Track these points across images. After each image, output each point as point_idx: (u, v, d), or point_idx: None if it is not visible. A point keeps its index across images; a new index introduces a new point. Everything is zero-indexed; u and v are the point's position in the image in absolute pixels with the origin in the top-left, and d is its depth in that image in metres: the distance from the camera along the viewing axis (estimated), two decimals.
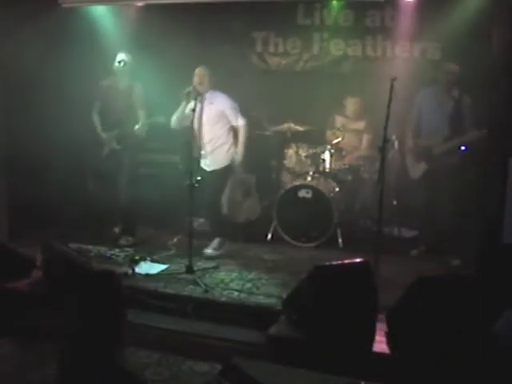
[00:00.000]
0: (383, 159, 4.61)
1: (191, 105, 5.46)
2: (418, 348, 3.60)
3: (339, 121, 6.62)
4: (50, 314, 3.99)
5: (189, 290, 4.89)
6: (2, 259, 4.87)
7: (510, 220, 4.45)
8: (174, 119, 5.67)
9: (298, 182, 6.29)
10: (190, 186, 5.22)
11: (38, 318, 4.31)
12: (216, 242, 5.79)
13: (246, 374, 2.77)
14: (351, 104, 6.52)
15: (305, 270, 4.31)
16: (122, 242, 6.05)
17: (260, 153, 6.62)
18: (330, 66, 7.00)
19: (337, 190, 6.35)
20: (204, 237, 6.13)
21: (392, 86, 4.52)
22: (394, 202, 6.29)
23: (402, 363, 3.65)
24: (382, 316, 3.92)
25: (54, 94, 6.16)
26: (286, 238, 6.16)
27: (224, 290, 4.91)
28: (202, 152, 5.69)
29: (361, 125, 6.57)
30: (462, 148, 5.50)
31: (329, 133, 6.64)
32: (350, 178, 6.53)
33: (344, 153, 6.42)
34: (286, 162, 6.51)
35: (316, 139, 6.58)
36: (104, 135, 6.09)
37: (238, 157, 5.72)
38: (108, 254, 5.64)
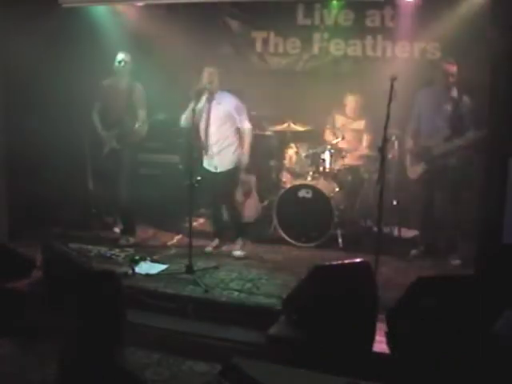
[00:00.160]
0: (383, 159, 4.61)
1: (201, 104, 5.48)
2: (417, 348, 3.59)
3: (339, 120, 6.62)
4: (50, 314, 4.00)
5: (189, 290, 4.89)
6: (2, 259, 4.87)
7: (510, 220, 4.45)
8: (183, 118, 5.63)
9: (297, 182, 6.30)
10: (190, 185, 5.23)
11: (38, 318, 4.31)
12: (240, 242, 5.83)
13: (246, 374, 2.78)
14: (351, 101, 6.51)
15: (305, 270, 4.32)
16: (122, 241, 6.05)
17: (260, 153, 6.61)
18: (330, 66, 7.00)
19: (337, 190, 6.36)
20: (204, 237, 6.15)
21: (392, 86, 4.52)
22: (394, 202, 6.28)
23: (401, 363, 3.65)
24: (382, 316, 3.92)
25: (54, 94, 6.16)
26: (286, 238, 6.16)
27: (224, 290, 4.91)
28: (209, 153, 5.68)
29: (361, 124, 6.57)
30: None
31: (329, 133, 6.64)
32: (349, 178, 6.53)
33: (344, 153, 6.42)
34: (286, 162, 6.52)
35: (316, 139, 6.59)
36: (104, 134, 6.10)
37: (245, 159, 5.74)
38: (108, 254, 5.64)
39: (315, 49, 7.05)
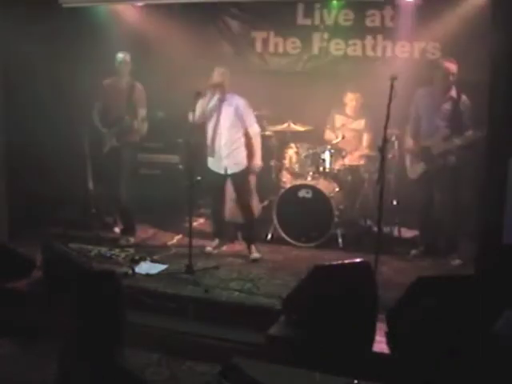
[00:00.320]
0: (383, 159, 4.61)
1: (211, 103, 5.49)
2: (417, 348, 3.60)
3: (339, 120, 6.62)
4: (50, 314, 4.00)
5: (189, 290, 4.89)
6: (2, 259, 4.87)
7: (510, 220, 4.44)
8: (191, 114, 5.60)
9: (297, 182, 6.29)
10: (190, 186, 5.22)
11: (38, 318, 4.31)
12: (254, 245, 5.81)
13: (246, 374, 2.78)
14: (351, 100, 6.50)
15: (305, 270, 4.32)
16: (122, 242, 6.05)
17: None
18: (330, 66, 6.99)
19: (337, 189, 6.35)
20: (204, 237, 6.15)
21: (392, 86, 4.52)
22: (394, 202, 6.28)
23: (401, 363, 3.65)
24: (382, 316, 3.92)
25: (54, 94, 6.16)
26: (286, 238, 6.16)
27: (224, 290, 4.91)
28: (216, 154, 5.65)
29: (361, 124, 6.57)
30: None
31: (329, 133, 6.64)
32: (349, 177, 6.53)
33: (344, 153, 6.41)
34: (286, 162, 6.51)
35: (316, 139, 6.58)
36: (104, 133, 6.10)
37: (258, 162, 5.77)
38: (108, 254, 5.63)
39: (315, 49, 7.04)
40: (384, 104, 4.51)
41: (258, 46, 7.25)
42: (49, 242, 4.96)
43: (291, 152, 6.47)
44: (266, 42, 7.21)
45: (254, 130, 5.72)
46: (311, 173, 6.33)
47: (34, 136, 5.99)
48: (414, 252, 5.85)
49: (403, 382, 3.54)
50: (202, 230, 6.54)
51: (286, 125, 6.52)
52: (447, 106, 5.55)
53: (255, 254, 5.71)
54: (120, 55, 5.99)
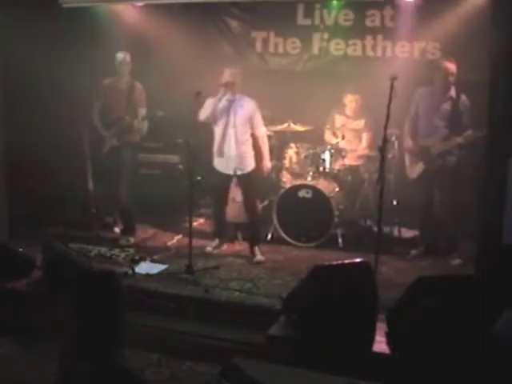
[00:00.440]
0: (383, 159, 4.61)
1: (222, 103, 5.50)
2: (417, 348, 3.59)
3: (339, 120, 6.62)
4: (50, 314, 4.00)
5: (189, 290, 4.89)
6: (2, 259, 4.86)
7: (510, 220, 4.45)
8: (202, 113, 5.59)
9: (298, 182, 6.30)
10: (190, 186, 5.22)
11: (38, 318, 4.31)
12: (258, 247, 5.80)
13: (246, 374, 2.78)
14: (351, 101, 6.50)
15: (305, 270, 4.32)
16: (122, 242, 6.05)
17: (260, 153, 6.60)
18: (330, 66, 6.99)
19: (337, 190, 6.36)
20: (204, 237, 6.15)
21: (392, 86, 4.52)
22: (394, 202, 6.29)
23: (401, 363, 3.65)
24: (382, 316, 3.92)
25: (54, 94, 6.16)
26: (286, 238, 6.16)
27: (224, 290, 4.91)
28: (226, 155, 5.64)
29: (360, 123, 6.57)
30: None
31: (329, 133, 6.64)
32: (349, 178, 6.53)
33: (344, 153, 6.41)
34: (286, 162, 6.51)
35: (316, 139, 6.58)
36: (104, 133, 6.10)
37: (267, 163, 5.83)
38: (108, 254, 5.63)
39: (315, 49, 7.04)
40: (384, 104, 4.51)
41: (258, 46, 7.25)
42: (49, 241, 4.96)
43: (291, 152, 6.47)
44: (266, 41, 7.21)
45: (262, 131, 5.76)
46: (311, 173, 6.33)
47: (34, 136, 5.99)
48: (413, 252, 5.86)
49: (403, 382, 3.54)
50: (202, 229, 6.54)
51: (286, 125, 6.53)
52: (447, 105, 5.56)
53: (259, 257, 5.70)
54: (120, 55, 5.99)
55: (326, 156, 6.32)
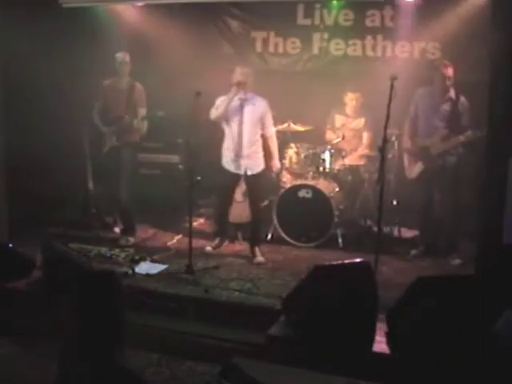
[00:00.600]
0: (383, 159, 4.61)
1: (234, 102, 5.49)
2: (417, 348, 3.59)
3: (339, 120, 6.62)
4: (50, 314, 4.00)
5: (189, 290, 4.89)
6: (2, 259, 4.86)
7: (510, 220, 4.45)
8: (213, 111, 5.57)
9: (298, 182, 6.30)
10: (190, 185, 5.22)
11: (38, 318, 4.31)
12: (258, 248, 5.79)
13: (246, 374, 2.78)
14: (351, 100, 6.50)
15: (305, 270, 4.31)
16: (122, 242, 6.05)
17: None
18: (330, 66, 6.99)
19: (337, 190, 6.36)
20: (204, 237, 6.15)
21: (392, 86, 4.52)
22: (394, 202, 6.29)
23: (401, 363, 3.65)
24: (382, 316, 3.92)
25: (54, 94, 6.16)
26: (286, 238, 6.16)
27: (224, 290, 4.91)
28: (238, 154, 5.61)
29: (360, 123, 6.57)
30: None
31: (329, 132, 6.64)
32: (349, 177, 6.53)
33: (344, 153, 6.42)
34: (286, 162, 6.51)
35: (316, 139, 6.58)
36: (104, 132, 6.10)
37: (276, 163, 5.85)
38: (108, 254, 5.63)
39: (315, 49, 7.04)
40: (384, 104, 4.51)
41: (258, 46, 7.25)
42: (49, 241, 4.96)
43: (291, 152, 6.47)
44: (266, 42, 7.21)
45: (271, 131, 5.76)
46: (311, 173, 6.33)
47: (35, 136, 5.99)
48: (413, 252, 5.86)
49: (403, 382, 3.54)
50: (202, 229, 6.54)
51: (286, 125, 6.53)
52: (446, 106, 5.56)
53: (259, 258, 5.69)
54: (120, 55, 5.99)
55: (326, 156, 6.32)
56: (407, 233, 6.34)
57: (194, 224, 6.05)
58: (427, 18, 6.30)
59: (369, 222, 6.47)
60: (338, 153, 6.38)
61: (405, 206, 6.24)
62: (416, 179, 5.74)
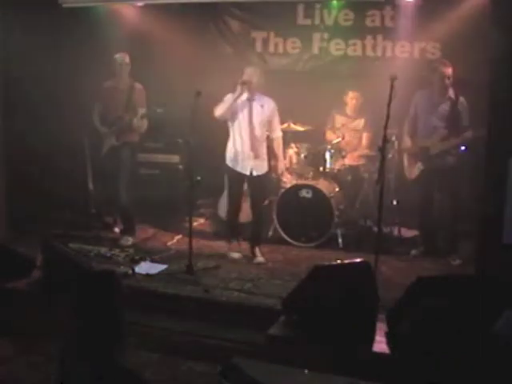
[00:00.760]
0: (383, 159, 4.61)
1: (240, 101, 5.46)
2: (417, 348, 3.60)
3: (339, 120, 6.62)
4: (50, 314, 4.00)
5: (189, 290, 4.88)
6: (2, 259, 4.87)
7: (510, 220, 4.45)
8: (218, 109, 5.49)
9: (298, 182, 6.29)
10: (190, 185, 5.22)
11: (38, 318, 4.31)
12: (259, 248, 5.77)
13: (246, 374, 2.78)
14: (352, 99, 6.49)
15: (305, 270, 4.31)
16: (122, 242, 6.05)
17: None
18: (330, 66, 6.99)
19: (337, 189, 6.36)
20: (204, 237, 6.15)
21: (392, 86, 4.52)
22: (394, 202, 6.28)
23: (401, 363, 3.65)
24: (382, 316, 3.92)
25: (54, 94, 6.16)
26: (286, 237, 6.16)
27: (224, 289, 4.91)
28: (244, 154, 5.57)
29: (361, 122, 6.57)
30: (462, 148, 5.51)
31: (329, 133, 6.64)
32: (349, 177, 6.53)
33: (344, 153, 6.41)
34: (286, 162, 6.51)
35: (316, 139, 6.58)
36: (103, 132, 6.10)
37: (281, 165, 5.85)
38: (108, 254, 5.63)
39: (315, 49, 7.04)
40: (384, 104, 4.51)
41: (258, 46, 7.25)
42: (49, 242, 4.96)
43: (291, 152, 6.48)
44: (266, 42, 7.22)
45: (278, 133, 5.74)
46: (311, 173, 6.33)
47: (34, 136, 5.99)
48: (413, 252, 5.86)
49: (403, 382, 3.54)
50: (201, 229, 6.54)
51: (286, 125, 6.52)
52: (445, 106, 5.57)
53: (260, 258, 5.68)
54: (119, 56, 5.99)
55: (326, 156, 6.32)
56: (407, 233, 6.34)
57: (194, 224, 6.04)
58: (427, 18, 6.31)
59: (369, 222, 6.46)
60: (338, 153, 6.38)
61: (405, 206, 6.24)
62: (416, 179, 5.74)
